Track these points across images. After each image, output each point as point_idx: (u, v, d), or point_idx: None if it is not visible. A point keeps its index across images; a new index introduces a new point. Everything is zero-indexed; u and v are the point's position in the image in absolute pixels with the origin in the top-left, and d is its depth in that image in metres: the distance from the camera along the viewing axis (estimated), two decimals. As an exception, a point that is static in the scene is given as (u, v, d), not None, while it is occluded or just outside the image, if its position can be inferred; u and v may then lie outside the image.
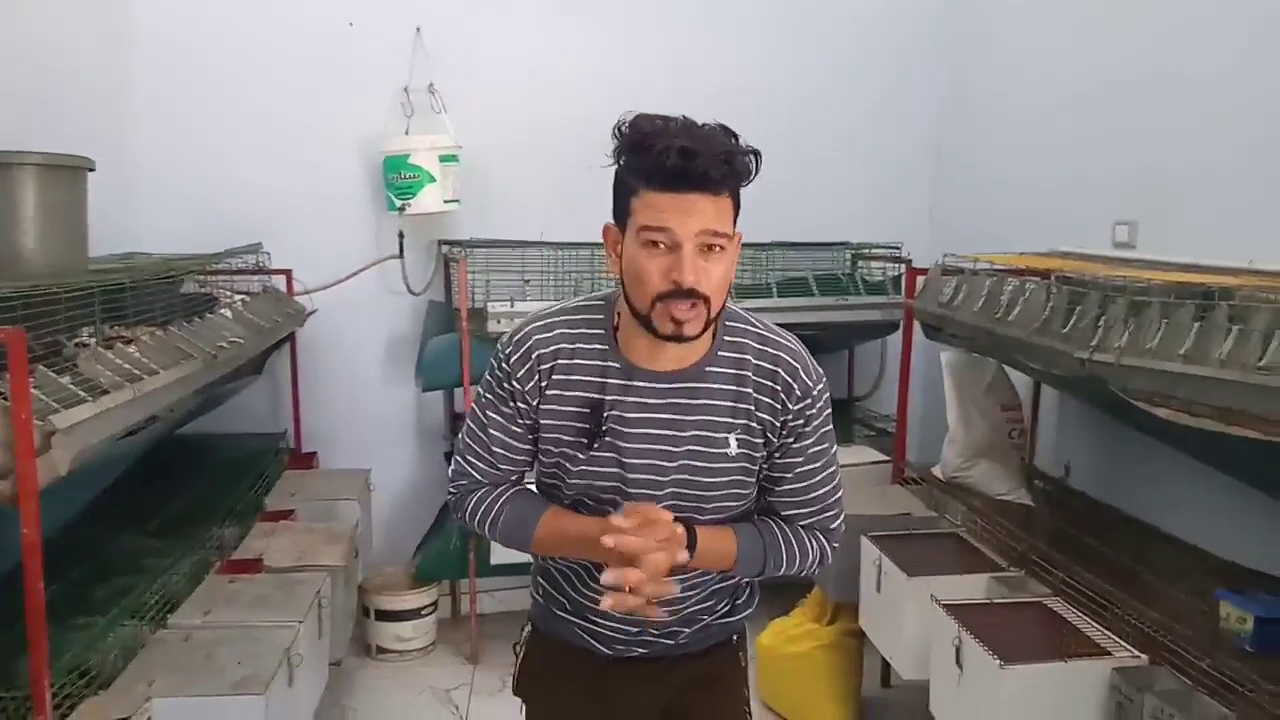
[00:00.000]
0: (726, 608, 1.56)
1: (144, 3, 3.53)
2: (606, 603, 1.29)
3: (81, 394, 1.82)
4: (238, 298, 3.16)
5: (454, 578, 3.81)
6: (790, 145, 4.10)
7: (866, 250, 4.03)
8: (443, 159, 3.57)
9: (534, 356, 1.38)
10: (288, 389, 3.72)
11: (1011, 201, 3.70)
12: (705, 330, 1.32)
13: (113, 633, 2.07)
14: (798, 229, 4.00)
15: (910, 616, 2.51)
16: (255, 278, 3.39)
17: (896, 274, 3.85)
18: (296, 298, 3.62)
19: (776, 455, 1.42)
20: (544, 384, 1.38)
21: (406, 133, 3.65)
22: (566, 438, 1.40)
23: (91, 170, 2.35)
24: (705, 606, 1.53)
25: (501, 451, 1.44)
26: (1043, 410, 3.39)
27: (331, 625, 2.62)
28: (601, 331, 1.39)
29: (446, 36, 3.73)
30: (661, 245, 1.26)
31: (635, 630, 1.50)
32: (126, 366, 2.06)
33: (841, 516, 1.50)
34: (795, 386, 1.38)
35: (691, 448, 1.38)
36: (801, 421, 1.40)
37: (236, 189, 3.64)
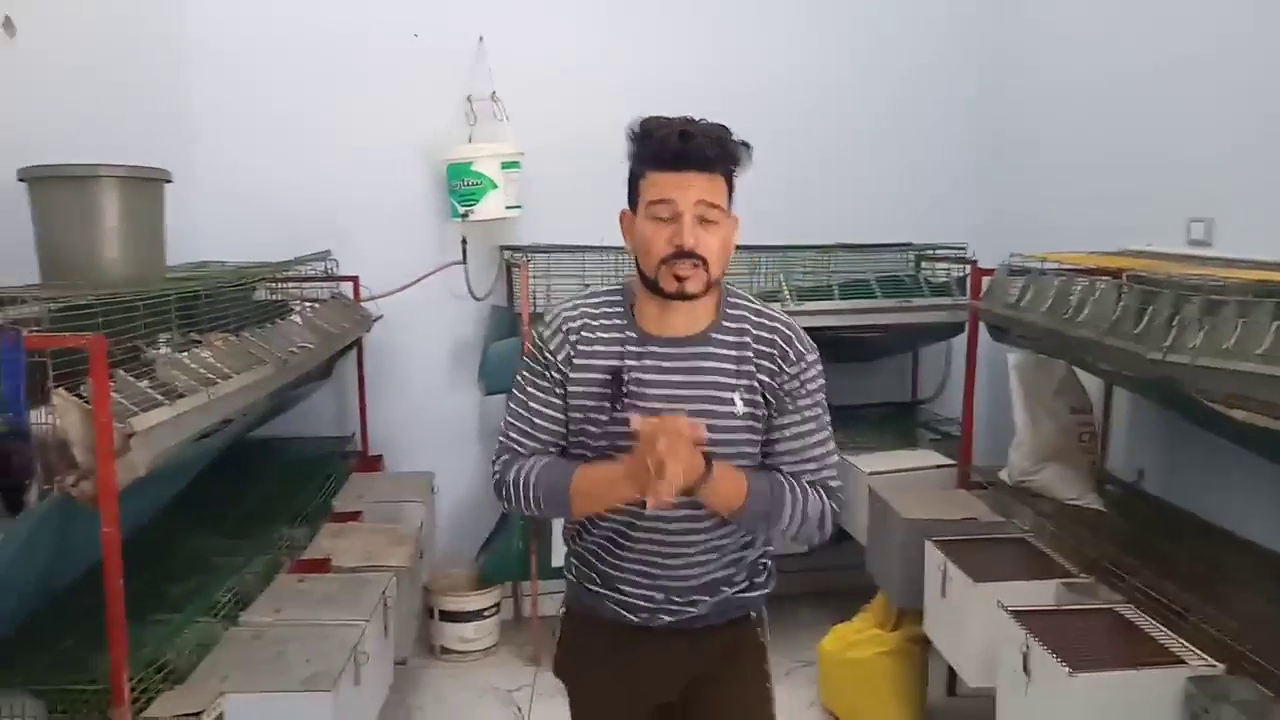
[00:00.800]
0: (745, 583, 1.68)
1: (213, 16, 3.64)
2: (652, 501, 1.41)
3: (159, 397, 1.89)
4: (307, 304, 3.24)
5: (516, 579, 3.85)
6: (846, 143, 4.11)
7: (930, 251, 3.97)
8: (504, 165, 3.61)
9: (564, 330, 1.59)
10: (355, 393, 3.79)
11: (1079, 201, 3.61)
12: (706, 292, 1.53)
13: (188, 629, 2.14)
14: (861, 231, 3.98)
15: (976, 623, 2.47)
16: (324, 285, 3.46)
17: (961, 275, 3.79)
18: (363, 304, 3.69)
19: (775, 415, 1.58)
20: (572, 354, 1.58)
21: (469, 140, 3.71)
22: (591, 402, 1.57)
23: (169, 182, 2.43)
24: (725, 575, 1.65)
25: (542, 422, 1.60)
26: (1115, 413, 3.31)
27: (396, 625, 2.66)
28: (620, 309, 1.60)
29: (508, 45, 3.78)
30: (665, 217, 1.50)
31: (660, 597, 1.62)
32: (201, 371, 2.12)
33: (838, 481, 1.63)
34: (790, 352, 1.58)
35: (701, 406, 1.53)
36: (797, 384, 1.58)
37: (305, 198, 3.73)
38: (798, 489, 1.57)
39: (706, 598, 1.64)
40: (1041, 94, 3.88)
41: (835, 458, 1.63)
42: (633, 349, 1.57)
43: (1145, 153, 3.21)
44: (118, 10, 3.10)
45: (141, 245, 2.37)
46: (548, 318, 1.63)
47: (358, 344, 3.65)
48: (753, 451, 1.59)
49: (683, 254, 1.48)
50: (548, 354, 1.59)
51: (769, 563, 1.72)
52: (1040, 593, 2.46)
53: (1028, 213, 3.98)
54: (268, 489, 3.15)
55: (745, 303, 1.63)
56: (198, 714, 1.86)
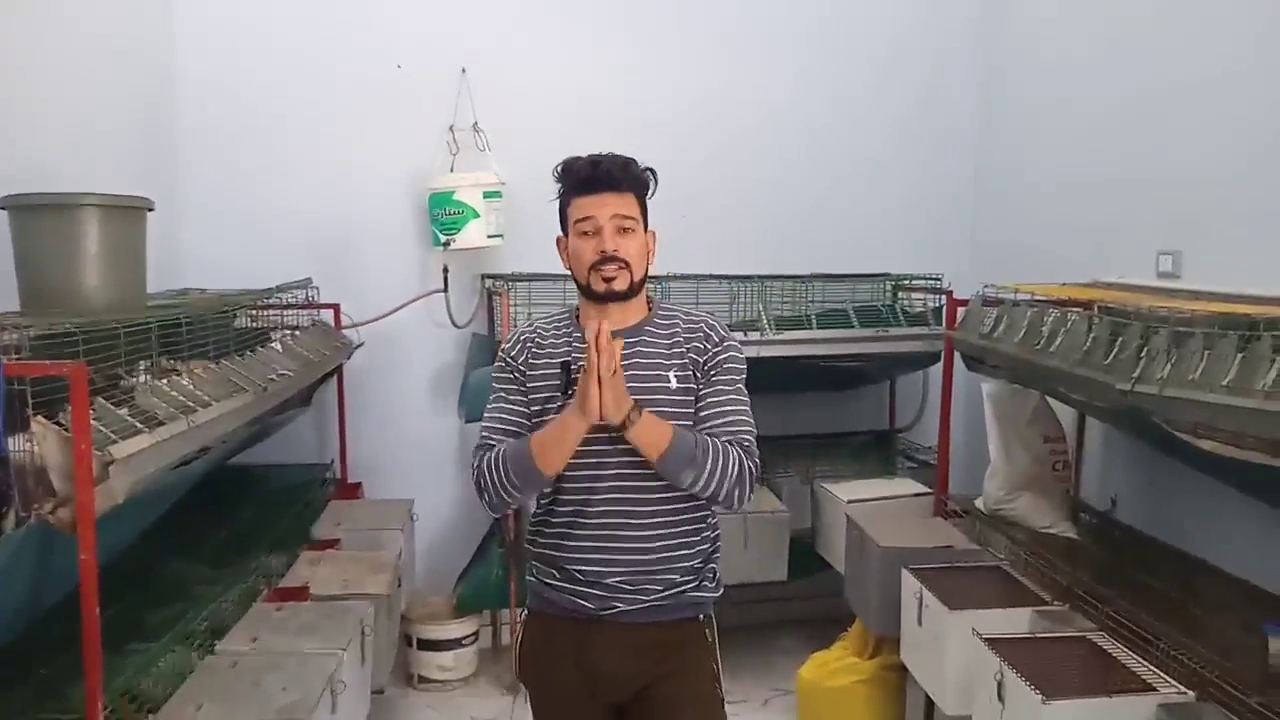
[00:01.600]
0: (695, 581, 1.84)
1: (200, 45, 3.67)
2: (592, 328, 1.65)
3: (138, 425, 1.89)
4: (287, 332, 3.24)
5: (495, 608, 3.84)
6: (828, 175, 4.17)
7: (907, 281, 4.02)
8: (486, 195, 3.64)
9: (521, 340, 1.88)
10: (334, 420, 3.79)
11: (1053, 232, 3.68)
12: (633, 291, 1.80)
13: (163, 658, 2.12)
14: (837, 261, 4.03)
15: (953, 650, 2.49)
16: (305, 312, 3.47)
17: (938, 305, 3.84)
18: (344, 331, 3.70)
19: (702, 387, 1.82)
20: (531, 359, 1.84)
21: (452, 170, 3.74)
22: (546, 394, 1.82)
23: (150, 210, 2.44)
24: (677, 556, 1.81)
25: (511, 416, 1.83)
26: (1088, 442, 3.36)
27: (375, 653, 2.65)
28: (567, 321, 1.89)
29: (491, 76, 3.83)
30: (589, 231, 1.78)
31: (615, 581, 1.78)
32: (180, 398, 2.12)
33: (755, 446, 1.82)
34: (713, 335, 1.85)
35: (640, 385, 1.76)
36: (719, 361, 1.83)
37: (288, 226, 3.76)
38: (718, 444, 1.75)
39: (659, 589, 1.80)
40: (1017, 130, 3.97)
41: (751, 426, 1.83)
42: (579, 344, 1.81)
43: (1117, 186, 3.28)
44: (105, 36, 3.12)
45: (122, 273, 2.37)
46: (510, 337, 1.92)
47: (338, 371, 3.65)
48: (687, 424, 1.79)
49: (607, 259, 1.76)
50: (509, 358, 1.87)
51: (717, 569, 1.91)
52: (1015, 620, 2.48)
53: (1003, 244, 4.05)
54: (246, 516, 3.13)
55: (674, 307, 1.92)
56: (173, 744, 1.85)
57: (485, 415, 1.88)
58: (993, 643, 2.25)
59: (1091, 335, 2.46)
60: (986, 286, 3.18)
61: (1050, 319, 2.70)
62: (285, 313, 3.34)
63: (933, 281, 3.92)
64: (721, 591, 1.91)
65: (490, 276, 3.82)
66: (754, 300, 3.73)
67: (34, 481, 1.71)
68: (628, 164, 1.82)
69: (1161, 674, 2.09)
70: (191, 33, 3.66)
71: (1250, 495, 2.41)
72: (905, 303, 4.02)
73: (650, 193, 1.85)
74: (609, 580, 1.79)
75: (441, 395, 3.94)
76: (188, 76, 3.67)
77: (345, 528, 3.25)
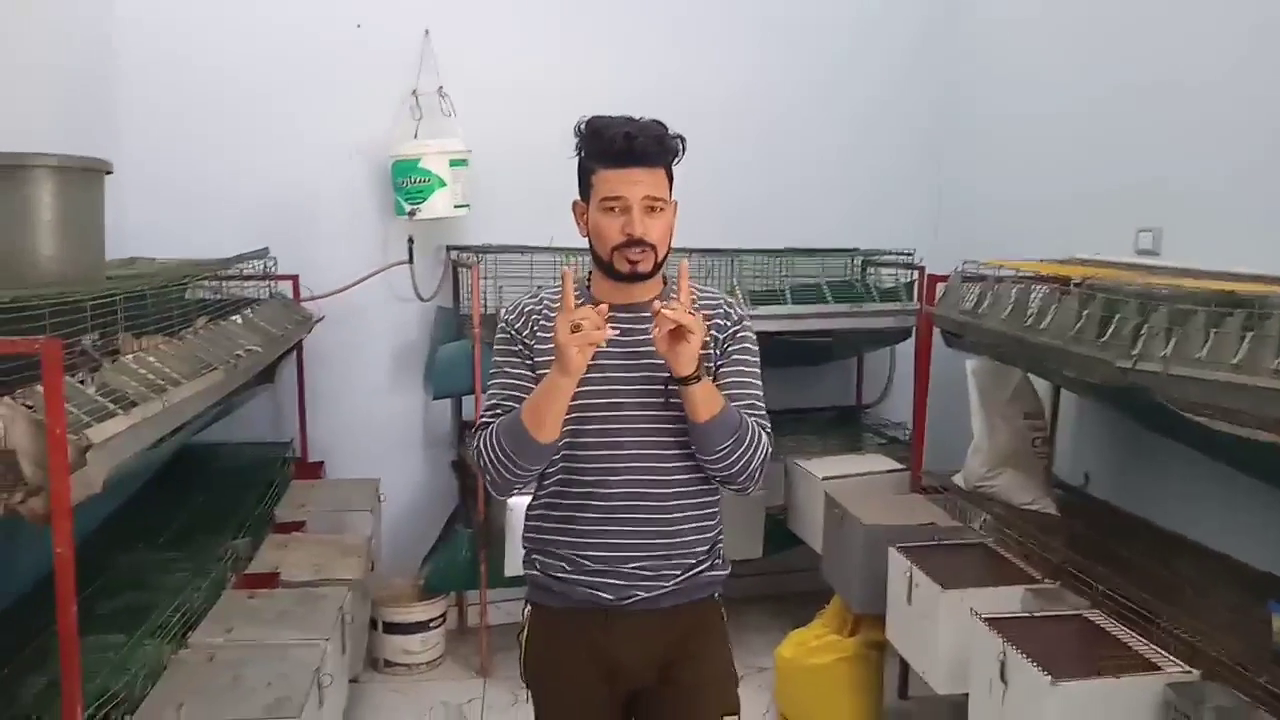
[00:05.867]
0: (707, 564, 1.79)
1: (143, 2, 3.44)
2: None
3: (111, 406, 1.75)
4: (245, 305, 3.08)
5: (464, 589, 3.74)
6: (793, 151, 4.11)
7: (878, 256, 3.99)
8: (453, 163, 3.51)
9: (526, 310, 1.78)
10: (293, 397, 3.64)
11: (1021, 208, 3.68)
12: (655, 271, 1.71)
13: (136, 653, 1.99)
14: (806, 235, 3.98)
15: (946, 630, 2.47)
16: (263, 284, 3.30)
17: (909, 280, 3.82)
18: (303, 304, 3.54)
19: (721, 364, 1.76)
20: (535, 328, 1.75)
21: (415, 136, 3.59)
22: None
23: (109, 173, 2.27)
24: (693, 540, 1.75)
25: (514, 391, 1.72)
26: (1062, 418, 3.37)
27: (352, 642, 2.55)
28: (576, 292, 1.69)
29: (455, 39, 3.68)
30: (616, 209, 1.66)
31: (631, 568, 1.71)
32: (151, 377, 1.98)
33: (769, 425, 1.77)
34: (732, 313, 1.79)
35: (656, 360, 1.64)
36: (740, 339, 1.77)
37: (239, 193, 3.57)
38: (749, 421, 1.69)
39: (678, 572, 1.74)
40: (993, 107, 3.95)
41: (765, 408, 1.79)
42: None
43: (1091, 166, 3.28)
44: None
45: (79, 242, 2.19)
46: (511, 306, 1.81)
47: (298, 346, 3.49)
48: None
49: (634, 242, 1.66)
50: (513, 331, 1.76)
51: (722, 549, 1.85)
52: (1007, 599, 2.47)
53: (976, 220, 4.04)
54: (205, 499, 2.99)
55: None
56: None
57: (487, 392, 1.79)
58: (993, 622, 2.22)
59: (1085, 312, 2.45)
60: (967, 262, 3.16)
61: (1038, 295, 2.69)
62: (245, 285, 3.17)
63: (905, 257, 3.90)
64: (730, 570, 1.86)
65: (456, 248, 3.69)
66: (728, 275, 3.67)
67: (0, 470, 1.57)
68: (662, 136, 1.69)
69: (1164, 652, 2.08)
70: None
71: (1250, 475, 2.42)
72: (875, 278, 4.00)
73: (678, 160, 1.74)
74: (627, 567, 1.72)
75: (405, 371, 3.80)
76: (127, 33, 3.43)
77: (310, 509, 3.12)
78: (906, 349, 3.82)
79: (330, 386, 3.71)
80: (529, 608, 1.84)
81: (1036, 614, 2.35)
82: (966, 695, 2.36)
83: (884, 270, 3.97)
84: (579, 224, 1.76)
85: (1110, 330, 2.31)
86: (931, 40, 4.18)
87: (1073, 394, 3.18)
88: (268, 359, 2.80)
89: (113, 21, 3.41)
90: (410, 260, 3.70)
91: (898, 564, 2.73)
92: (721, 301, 1.81)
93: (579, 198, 1.76)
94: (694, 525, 1.77)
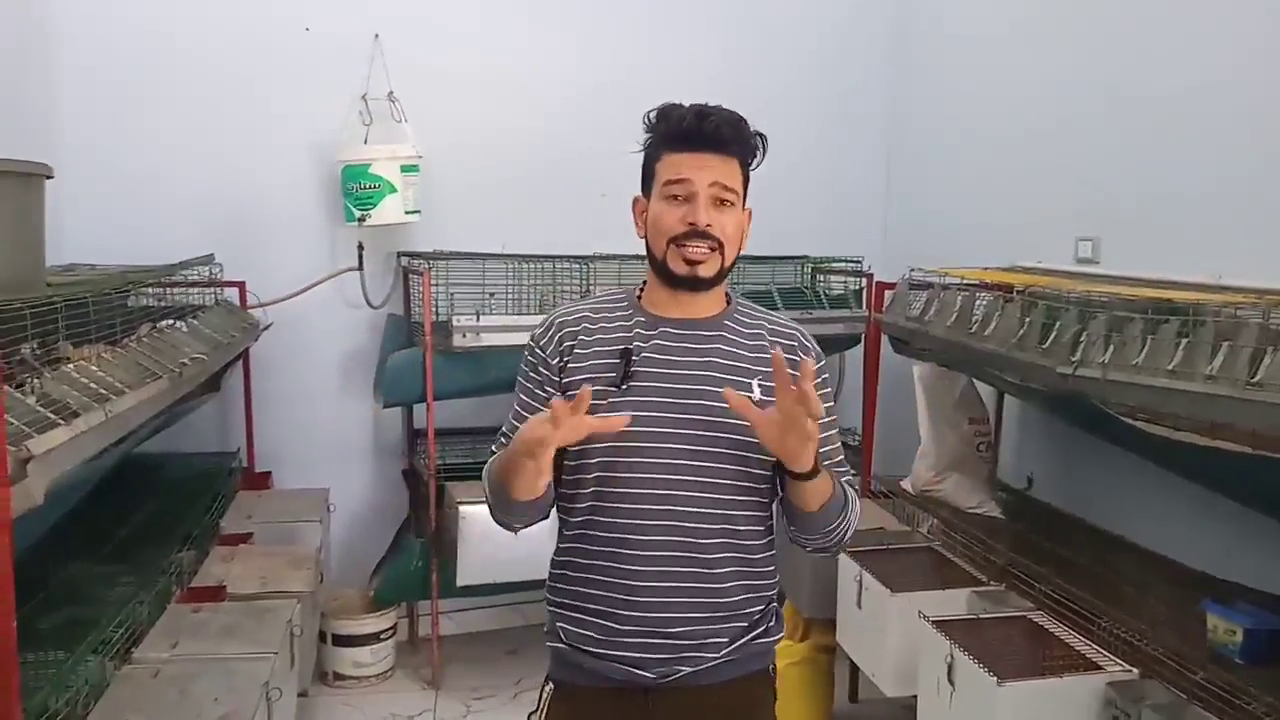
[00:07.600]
0: (760, 628, 1.52)
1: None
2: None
3: (51, 416, 1.71)
4: (189, 311, 3.02)
5: (415, 599, 3.71)
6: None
7: (828, 264, 4.04)
8: (404, 169, 3.48)
9: (555, 324, 1.53)
10: (239, 405, 3.58)
11: (966, 217, 3.76)
12: (719, 279, 1.48)
13: (78, 669, 1.94)
14: (757, 242, 3.98)
15: (894, 633, 2.51)
16: (208, 290, 3.25)
17: (857, 288, 3.87)
18: (250, 311, 3.48)
19: None
20: (567, 345, 1.50)
21: (365, 141, 3.55)
22: (596, 387, 1.40)
23: (49, 177, 2.22)
24: (744, 604, 1.49)
25: (525, 414, 1.48)
26: (1006, 423, 3.44)
27: (300, 654, 2.51)
28: (624, 303, 1.55)
29: (406, 43, 3.65)
30: (679, 197, 1.45)
31: (676, 631, 1.45)
32: (93, 386, 1.94)
33: (852, 476, 1.57)
34: (811, 348, 1.55)
35: (712, 389, 1.43)
36: (818, 381, 1.36)
37: (184, 198, 3.49)
38: (847, 488, 1.49)
39: (726, 640, 1.48)
40: (942, 120, 4.01)
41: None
42: (642, 331, 1.49)
43: (1033, 177, 3.36)
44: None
45: (18, 248, 2.14)
46: (543, 321, 1.57)
47: (244, 354, 3.44)
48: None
49: (696, 233, 1.43)
50: (538, 350, 1.53)
51: (778, 608, 1.59)
52: (954, 601, 2.52)
53: (923, 229, 4.10)
54: (149, 511, 2.93)
55: (754, 306, 1.60)
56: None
57: (511, 412, 1.56)
58: (940, 625, 2.27)
59: (1027, 319, 2.50)
60: (914, 270, 3.22)
61: (983, 303, 2.75)
62: (189, 291, 3.11)
63: (853, 264, 3.95)
64: (784, 632, 1.61)
65: (407, 254, 3.66)
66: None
67: (-64, 482, 1.52)
68: (740, 123, 1.47)
69: (1105, 652, 2.14)
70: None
71: (1185, 477, 2.49)
72: (824, 285, 4.04)
73: (756, 164, 1.52)
74: (669, 631, 1.45)
75: (354, 379, 3.75)
76: (63, 30, 3.33)
77: (257, 520, 3.07)
78: (856, 355, 3.86)
79: (278, 395, 3.66)
80: (550, 686, 1.55)
81: (983, 616, 2.40)
82: (915, 697, 2.40)
83: (833, 277, 4.01)
84: (637, 223, 1.54)
85: (1051, 337, 2.38)
86: (885, 56, 4.25)
87: (1016, 399, 3.24)
88: (213, 367, 2.76)
89: (47, 16, 3.29)
90: (360, 267, 3.66)
91: (847, 568, 2.77)
92: (796, 333, 1.56)
93: (640, 194, 1.53)
94: (746, 584, 1.49)
